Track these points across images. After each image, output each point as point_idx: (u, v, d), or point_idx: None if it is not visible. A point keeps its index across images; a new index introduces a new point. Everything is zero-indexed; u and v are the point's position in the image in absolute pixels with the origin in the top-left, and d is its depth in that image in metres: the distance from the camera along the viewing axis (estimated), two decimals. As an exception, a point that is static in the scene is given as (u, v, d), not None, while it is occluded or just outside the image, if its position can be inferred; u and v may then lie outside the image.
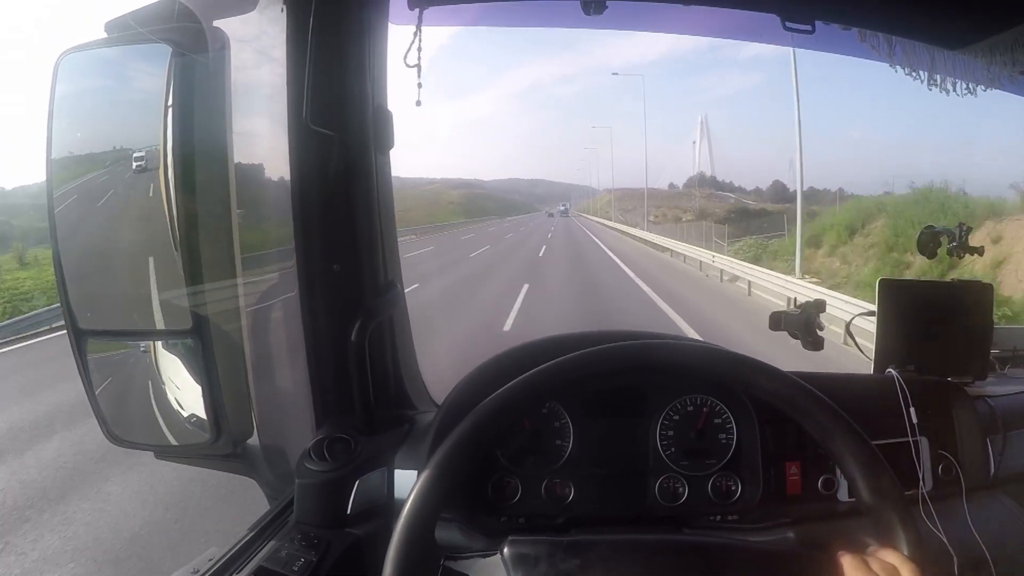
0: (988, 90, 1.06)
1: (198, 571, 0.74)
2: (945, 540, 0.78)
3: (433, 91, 0.90)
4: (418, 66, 0.88)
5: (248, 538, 0.78)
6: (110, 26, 0.82)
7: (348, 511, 0.80)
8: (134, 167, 0.84)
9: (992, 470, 0.90)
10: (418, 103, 0.90)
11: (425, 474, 0.60)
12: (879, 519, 0.60)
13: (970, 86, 1.06)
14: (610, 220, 47.05)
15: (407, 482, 0.84)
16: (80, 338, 0.85)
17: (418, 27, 0.87)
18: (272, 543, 0.76)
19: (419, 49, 0.87)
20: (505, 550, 0.64)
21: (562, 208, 76.65)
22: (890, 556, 0.57)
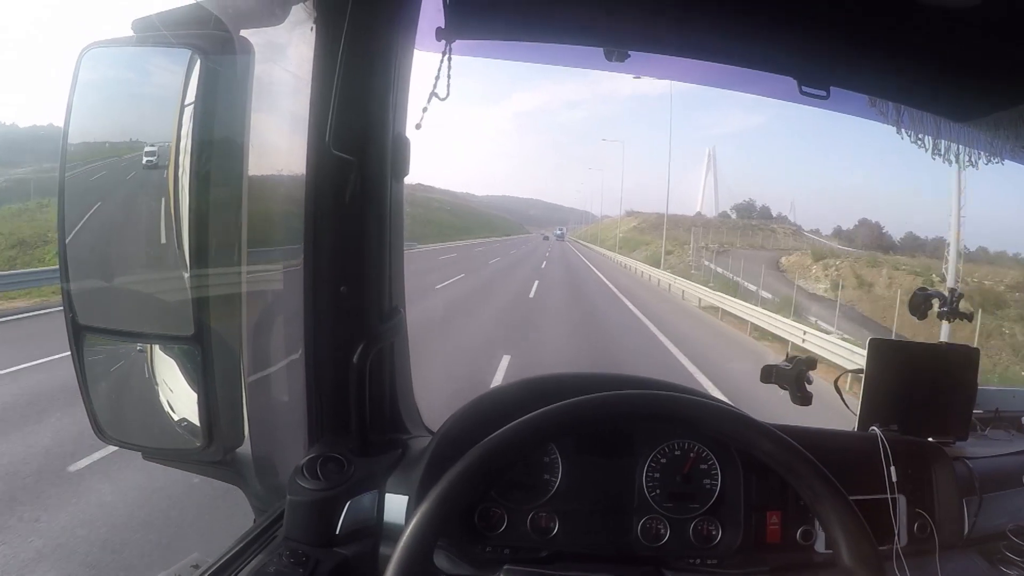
0: (990, 162, 1.09)
1: None
2: None
3: (439, 104, 0.87)
4: (435, 93, 0.89)
5: (236, 550, 0.78)
6: (137, 25, 0.82)
7: (337, 531, 0.80)
8: (144, 162, 0.84)
9: (966, 530, 0.93)
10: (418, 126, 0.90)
11: (428, 501, 0.61)
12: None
13: (972, 157, 1.10)
14: (696, 281, 17.05)
15: (397, 506, 0.84)
16: (79, 333, 0.85)
17: (447, 59, 0.88)
18: (260, 557, 0.76)
19: (448, 78, 0.88)
20: None
21: (559, 232, 74.69)
22: None
